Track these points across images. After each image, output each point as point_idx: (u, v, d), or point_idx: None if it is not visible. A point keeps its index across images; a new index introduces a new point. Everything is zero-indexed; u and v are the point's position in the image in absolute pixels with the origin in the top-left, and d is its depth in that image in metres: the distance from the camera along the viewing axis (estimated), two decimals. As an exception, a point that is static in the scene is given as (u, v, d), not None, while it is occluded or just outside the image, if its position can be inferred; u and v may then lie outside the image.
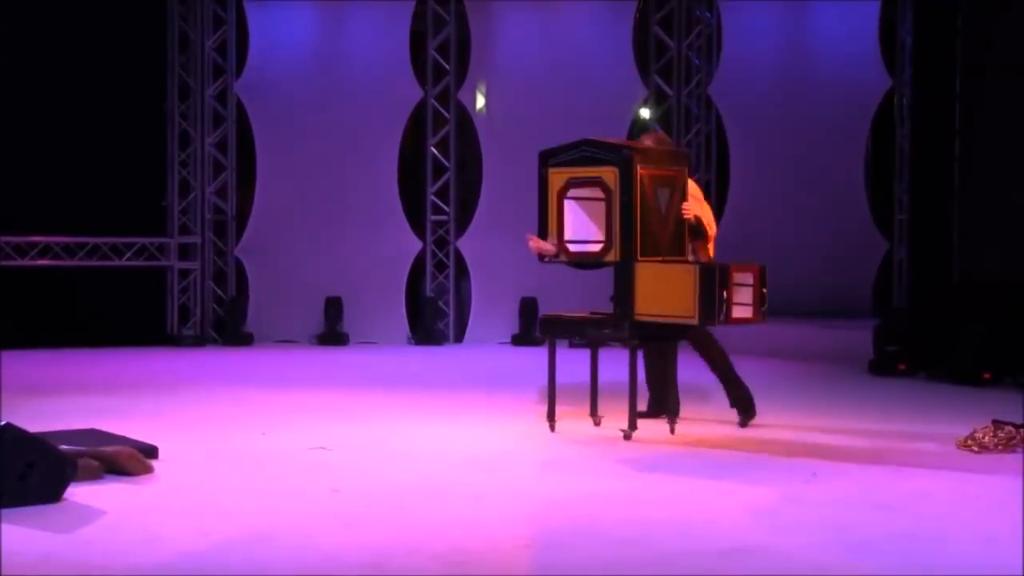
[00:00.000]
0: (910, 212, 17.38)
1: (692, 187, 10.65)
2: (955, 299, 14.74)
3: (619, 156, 10.07)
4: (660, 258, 10.05)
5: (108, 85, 17.72)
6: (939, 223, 15.09)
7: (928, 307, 15.17)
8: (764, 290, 9.99)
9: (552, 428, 10.41)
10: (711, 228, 10.68)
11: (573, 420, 10.67)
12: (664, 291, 9.82)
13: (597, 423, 10.54)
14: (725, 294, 9.70)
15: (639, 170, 9.99)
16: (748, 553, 6.58)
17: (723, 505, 7.82)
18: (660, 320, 9.87)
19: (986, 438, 9.72)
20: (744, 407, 10.88)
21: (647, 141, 10.91)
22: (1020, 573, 5.63)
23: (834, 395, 13.05)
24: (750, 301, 9.93)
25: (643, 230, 10.00)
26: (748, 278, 9.96)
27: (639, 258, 9.96)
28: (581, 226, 10.36)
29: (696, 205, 10.51)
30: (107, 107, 17.71)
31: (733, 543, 6.79)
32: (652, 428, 10.36)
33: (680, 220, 10.28)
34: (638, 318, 9.91)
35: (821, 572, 6.23)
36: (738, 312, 9.88)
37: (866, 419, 11.31)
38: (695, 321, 9.73)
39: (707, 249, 10.67)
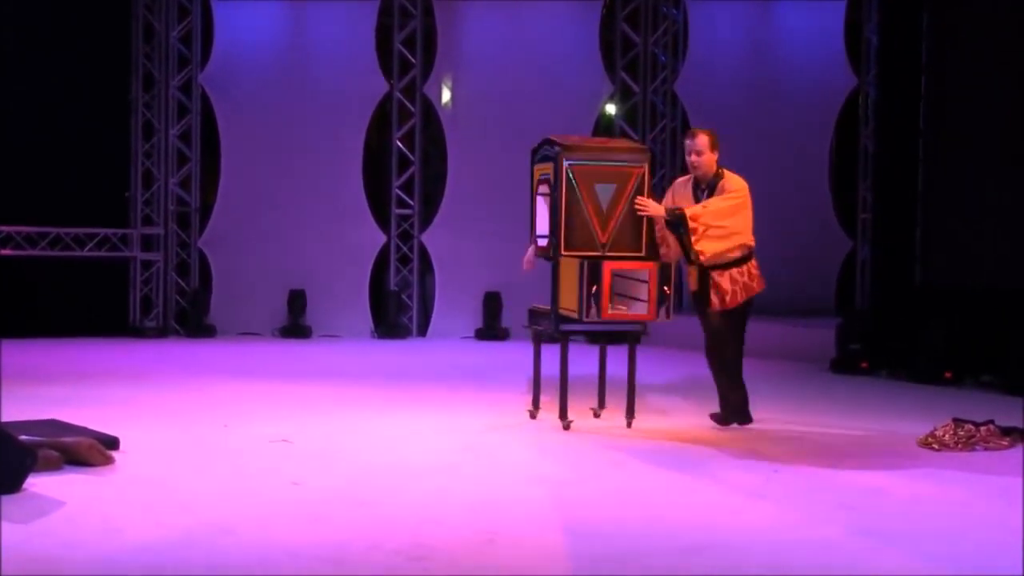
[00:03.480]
0: (873, 211, 17.39)
1: (731, 182, 10.63)
2: (917, 298, 14.79)
3: (551, 152, 10.21)
4: (596, 252, 10.08)
5: (72, 75, 17.67)
6: (902, 223, 15.10)
7: (890, 306, 15.21)
8: (666, 288, 9.95)
9: (533, 416, 10.60)
10: (697, 222, 10.20)
11: (541, 415, 10.67)
12: (571, 285, 9.94)
13: (566, 426, 10.45)
14: (595, 289, 9.75)
15: (564, 166, 10.10)
16: (709, 549, 6.59)
17: (684, 502, 7.83)
18: (566, 314, 10.05)
19: (946, 436, 9.77)
20: (733, 413, 10.63)
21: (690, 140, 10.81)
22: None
23: (796, 393, 13.07)
24: (646, 298, 9.94)
25: (573, 224, 10.11)
26: (644, 275, 9.97)
27: (563, 253, 10.09)
28: (544, 221, 10.44)
29: (717, 200, 10.40)
30: (71, 97, 17.66)
31: (694, 540, 6.79)
32: (612, 422, 10.38)
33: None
34: (561, 312, 10.07)
35: (781, 568, 6.24)
36: (623, 309, 9.97)
37: (827, 417, 11.34)
38: (577, 316, 9.87)
39: (707, 243, 10.24)
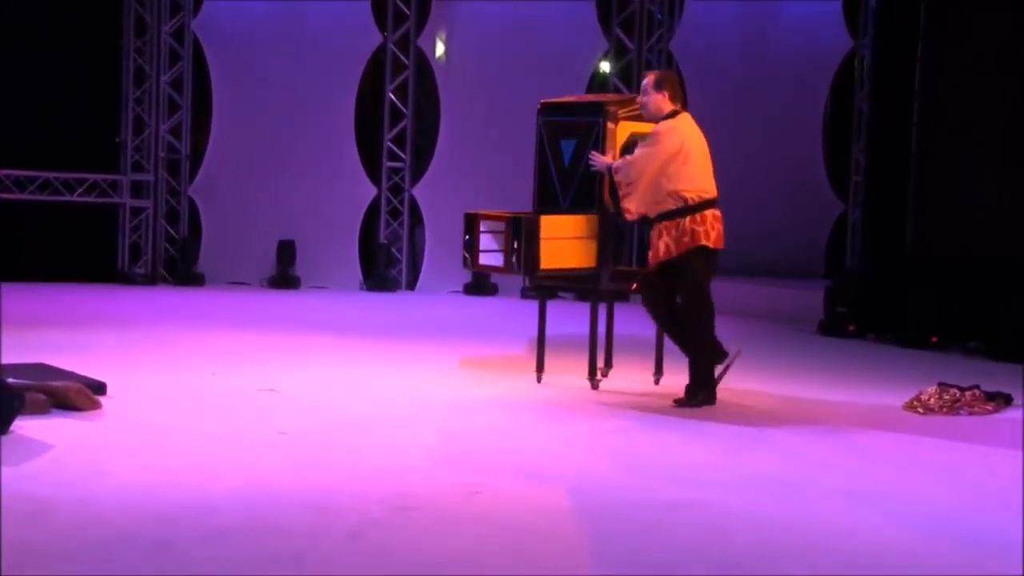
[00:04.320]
0: (866, 174, 17.40)
1: (659, 127, 9.73)
2: (906, 263, 14.80)
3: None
4: (558, 212, 10.21)
5: (64, 19, 17.57)
6: (894, 186, 15.09)
7: (879, 270, 15.23)
8: (516, 243, 9.98)
9: (539, 380, 10.41)
10: (618, 175, 9.75)
11: (522, 374, 10.68)
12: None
13: (539, 379, 10.48)
14: (467, 240, 10.22)
15: (542, 122, 10.34)
16: (691, 506, 6.61)
17: (667, 459, 7.86)
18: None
19: (931, 400, 9.81)
20: (693, 393, 9.73)
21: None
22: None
23: (782, 355, 13.08)
24: (500, 250, 10.10)
25: (543, 182, 10.30)
26: (499, 227, 10.16)
27: (535, 210, 10.31)
28: None
29: (639, 150, 9.74)
30: (62, 42, 17.56)
31: (677, 495, 6.82)
32: (612, 381, 10.41)
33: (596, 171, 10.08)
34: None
35: (763, 526, 6.27)
36: (486, 260, 10.29)
37: (813, 379, 11.37)
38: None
39: (631, 199, 9.72)
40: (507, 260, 10.09)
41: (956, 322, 13.70)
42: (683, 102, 10.02)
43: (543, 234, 9.99)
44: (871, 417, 9.53)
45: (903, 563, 5.80)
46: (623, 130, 10.17)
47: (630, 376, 10.66)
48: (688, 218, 9.60)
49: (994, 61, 14.12)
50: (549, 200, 10.20)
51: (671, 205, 9.61)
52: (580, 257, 10.23)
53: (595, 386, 10.23)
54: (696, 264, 9.65)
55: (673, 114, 9.77)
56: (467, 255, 10.33)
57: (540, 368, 10.39)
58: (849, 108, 18.99)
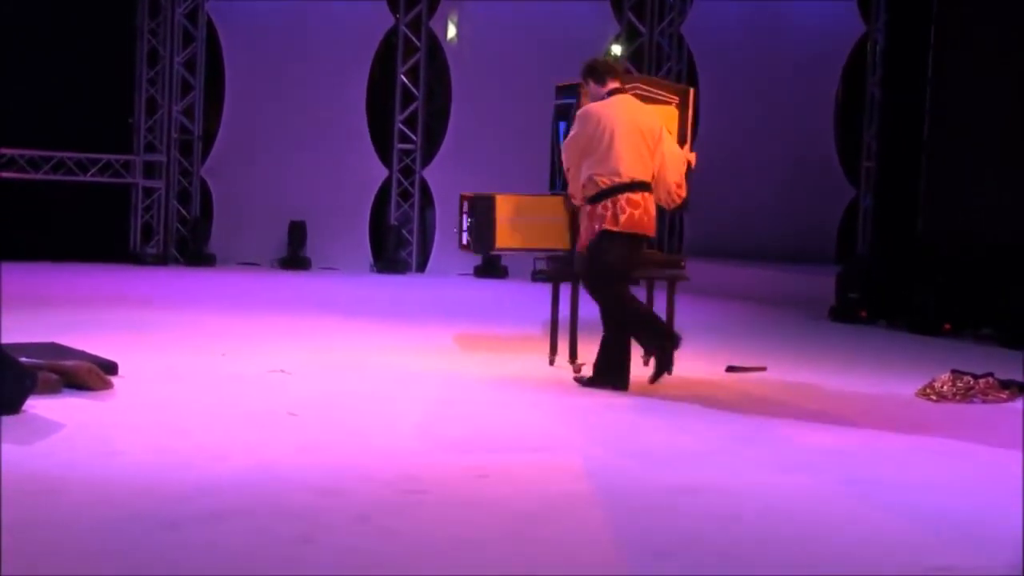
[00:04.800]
0: (878, 160, 17.38)
1: (579, 111, 9.69)
2: (918, 249, 14.77)
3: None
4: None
5: (78, 1, 17.58)
6: (906, 172, 15.07)
7: (891, 256, 15.20)
8: (470, 221, 10.31)
9: (551, 362, 10.39)
10: (563, 158, 9.73)
11: (531, 356, 10.68)
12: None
13: (551, 362, 10.48)
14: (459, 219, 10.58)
15: (554, 104, 10.55)
16: (700, 491, 6.61)
17: (674, 444, 7.85)
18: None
19: (944, 388, 9.77)
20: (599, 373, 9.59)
21: None
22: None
23: (793, 340, 13.07)
24: (467, 230, 10.44)
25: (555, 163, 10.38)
26: (465, 206, 10.46)
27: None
28: None
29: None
30: (77, 22, 17.58)
31: (685, 480, 6.81)
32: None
33: None
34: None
35: (773, 514, 6.27)
36: (465, 239, 10.57)
37: (825, 365, 11.34)
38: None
39: (571, 184, 9.68)
40: (459, 237, 10.51)
41: (968, 309, 13.66)
42: (621, 81, 9.70)
43: (501, 213, 10.09)
44: (883, 404, 9.51)
45: (908, 552, 5.79)
46: None
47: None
48: (600, 204, 9.38)
49: (1007, 47, 14.09)
50: (562, 182, 10.04)
51: (590, 191, 9.43)
52: (554, 238, 10.24)
53: (551, 362, 10.32)
54: (598, 251, 9.41)
55: (609, 94, 9.57)
56: (457, 235, 10.64)
57: (553, 350, 10.38)
58: (861, 93, 18.94)
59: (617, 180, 9.34)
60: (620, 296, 9.50)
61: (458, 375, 9.90)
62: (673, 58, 19.29)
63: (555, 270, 10.32)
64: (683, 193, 9.75)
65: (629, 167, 9.37)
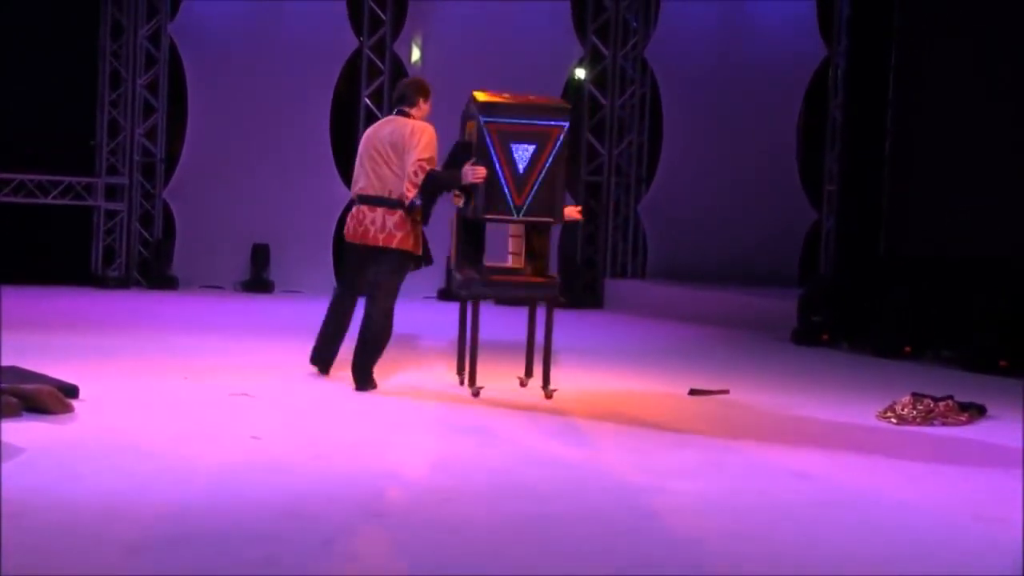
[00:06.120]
0: (839, 182, 17.45)
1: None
2: (879, 271, 14.83)
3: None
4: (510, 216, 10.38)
5: (40, 22, 17.53)
6: (868, 195, 15.15)
7: (853, 279, 15.26)
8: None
9: (461, 382, 10.41)
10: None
11: (499, 379, 10.67)
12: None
13: (523, 384, 10.50)
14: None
15: (484, 124, 10.35)
16: (669, 514, 6.62)
17: (640, 467, 7.85)
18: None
19: (905, 410, 9.82)
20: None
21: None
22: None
23: (755, 363, 13.11)
24: None
25: (493, 186, 10.23)
26: None
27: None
28: None
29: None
30: (38, 44, 17.53)
31: (648, 503, 6.81)
32: (567, 390, 10.40)
33: None
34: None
35: (736, 537, 6.28)
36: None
37: (787, 388, 11.38)
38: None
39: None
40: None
41: (929, 330, 13.73)
42: (395, 105, 10.72)
43: None
44: (844, 427, 9.54)
45: (871, 571, 5.81)
46: None
47: (605, 383, 10.65)
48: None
49: (968, 68, 14.18)
50: (499, 206, 9.95)
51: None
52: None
53: (523, 384, 10.42)
54: None
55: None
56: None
57: (528, 373, 10.44)
58: (824, 116, 19.03)
59: (353, 195, 10.64)
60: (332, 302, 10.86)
61: (423, 396, 9.89)
62: (637, 82, 19.34)
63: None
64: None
65: (361, 183, 10.49)
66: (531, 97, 10.52)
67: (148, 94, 18.58)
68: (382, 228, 10.17)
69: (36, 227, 17.73)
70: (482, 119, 10.05)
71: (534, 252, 10.31)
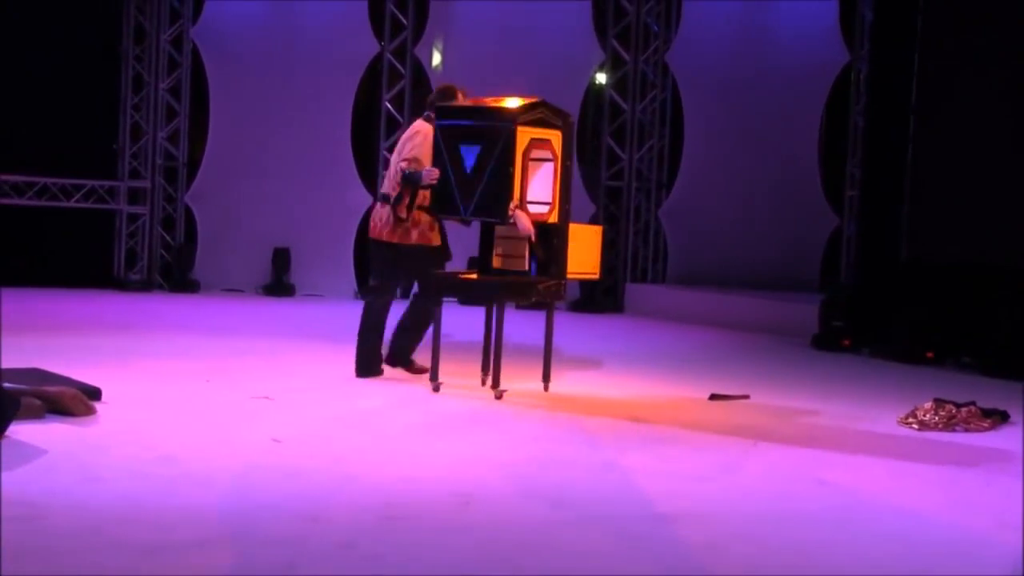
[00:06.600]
0: (861, 187, 17.39)
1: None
2: (901, 277, 14.79)
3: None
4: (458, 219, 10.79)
5: (63, 26, 17.57)
6: (890, 200, 15.09)
7: (874, 284, 15.21)
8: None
9: (484, 383, 10.46)
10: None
11: (514, 382, 10.67)
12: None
13: (545, 388, 10.51)
14: None
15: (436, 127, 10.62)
16: (685, 517, 6.61)
17: (659, 472, 7.85)
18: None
19: (927, 416, 9.79)
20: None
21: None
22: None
23: (776, 368, 13.09)
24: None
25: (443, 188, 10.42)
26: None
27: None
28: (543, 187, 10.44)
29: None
30: (61, 48, 17.56)
31: (670, 508, 6.82)
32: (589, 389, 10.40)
33: None
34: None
35: (756, 541, 6.27)
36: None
37: (807, 393, 11.35)
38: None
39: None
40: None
41: (951, 337, 13.69)
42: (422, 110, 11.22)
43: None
44: (865, 432, 9.53)
45: (895, 577, 5.81)
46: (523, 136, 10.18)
47: (624, 386, 10.64)
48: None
49: (991, 74, 14.13)
50: (448, 205, 10.34)
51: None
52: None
53: (545, 388, 10.47)
54: None
55: None
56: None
57: (546, 377, 10.45)
58: (845, 122, 18.97)
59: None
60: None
61: (440, 402, 9.90)
62: (658, 86, 19.32)
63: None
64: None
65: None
66: (488, 101, 10.76)
67: (170, 98, 18.61)
68: (387, 223, 10.76)
69: (59, 230, 17.77)
70: (436, 122, 10.45)
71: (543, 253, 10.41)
